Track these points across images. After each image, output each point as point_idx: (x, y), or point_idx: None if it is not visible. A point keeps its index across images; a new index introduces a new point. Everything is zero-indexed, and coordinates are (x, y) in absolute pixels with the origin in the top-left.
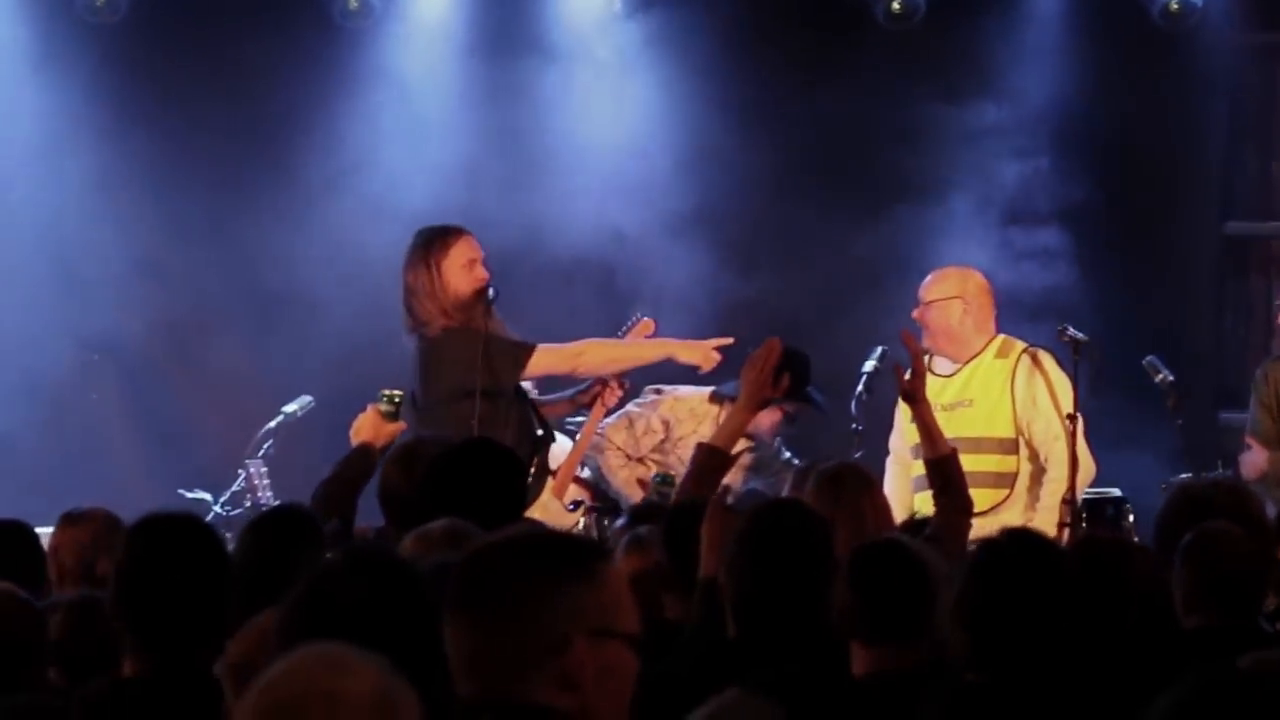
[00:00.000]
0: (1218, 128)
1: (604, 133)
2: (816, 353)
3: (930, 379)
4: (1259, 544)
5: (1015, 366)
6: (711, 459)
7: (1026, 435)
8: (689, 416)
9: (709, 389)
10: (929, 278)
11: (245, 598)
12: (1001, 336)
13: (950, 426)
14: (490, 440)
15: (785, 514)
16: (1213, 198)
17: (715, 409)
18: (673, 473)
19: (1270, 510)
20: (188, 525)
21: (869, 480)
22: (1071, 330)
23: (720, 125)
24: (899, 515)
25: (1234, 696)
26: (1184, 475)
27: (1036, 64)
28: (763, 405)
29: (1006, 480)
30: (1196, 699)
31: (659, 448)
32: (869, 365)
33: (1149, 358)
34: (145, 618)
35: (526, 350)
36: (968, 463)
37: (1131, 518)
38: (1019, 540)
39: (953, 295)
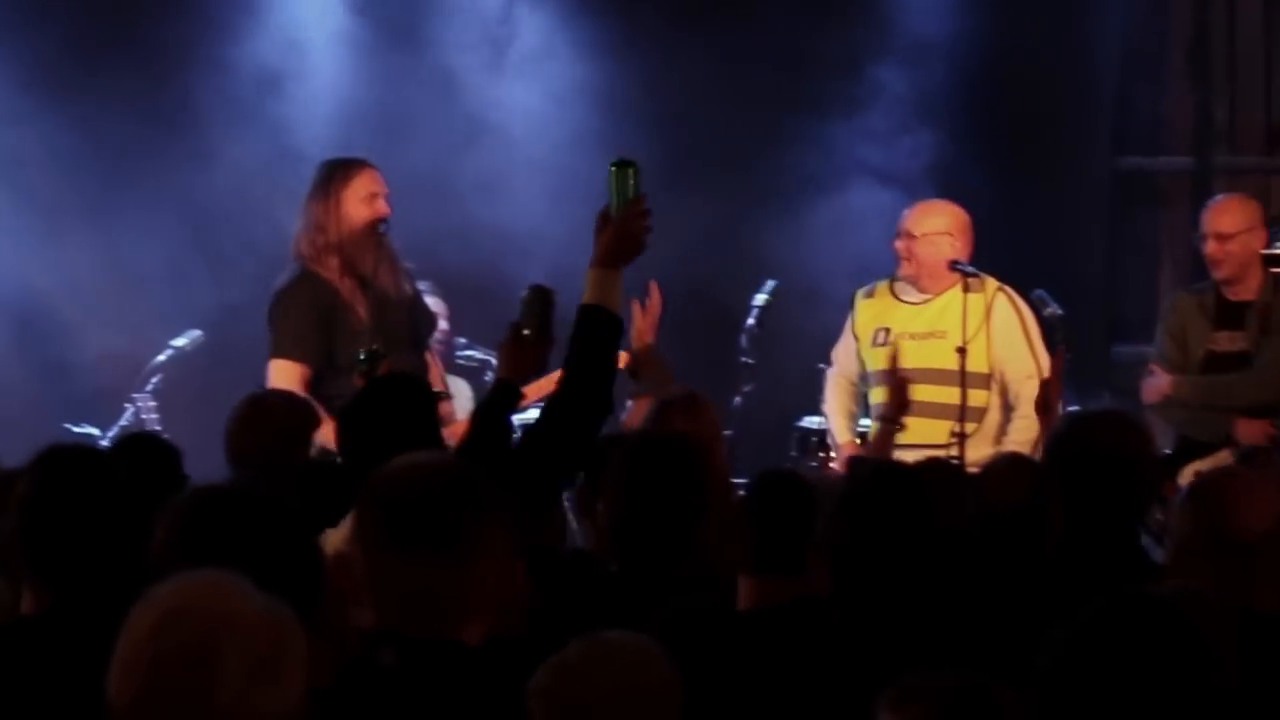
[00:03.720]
0: (1109, 61)
1: (501, 74)
2: (709, 285)
3: (899, 305)
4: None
5: (992, 304)
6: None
7: (1000, 371)
8: None
9: None
10: (916, 211)
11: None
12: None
13: (920, 356)
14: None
15: (663, 446)
16: (1105, 132)
17: None
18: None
19: (1169, 433)
20: (89, 459)
21: (692, 405)
22: (961, 265)
23: (615, 64)
24: (844, 431)
25: (1128, 622)
26: (1074, 408)
27: None
28: None
29: (975, 414)
30: (1093, 626)
31: None
32: (760, 299)
33: (1038, 291)
34: (45, 555)
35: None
36: (936, 394)
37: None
38: (883, 476)
39: (945, 230)
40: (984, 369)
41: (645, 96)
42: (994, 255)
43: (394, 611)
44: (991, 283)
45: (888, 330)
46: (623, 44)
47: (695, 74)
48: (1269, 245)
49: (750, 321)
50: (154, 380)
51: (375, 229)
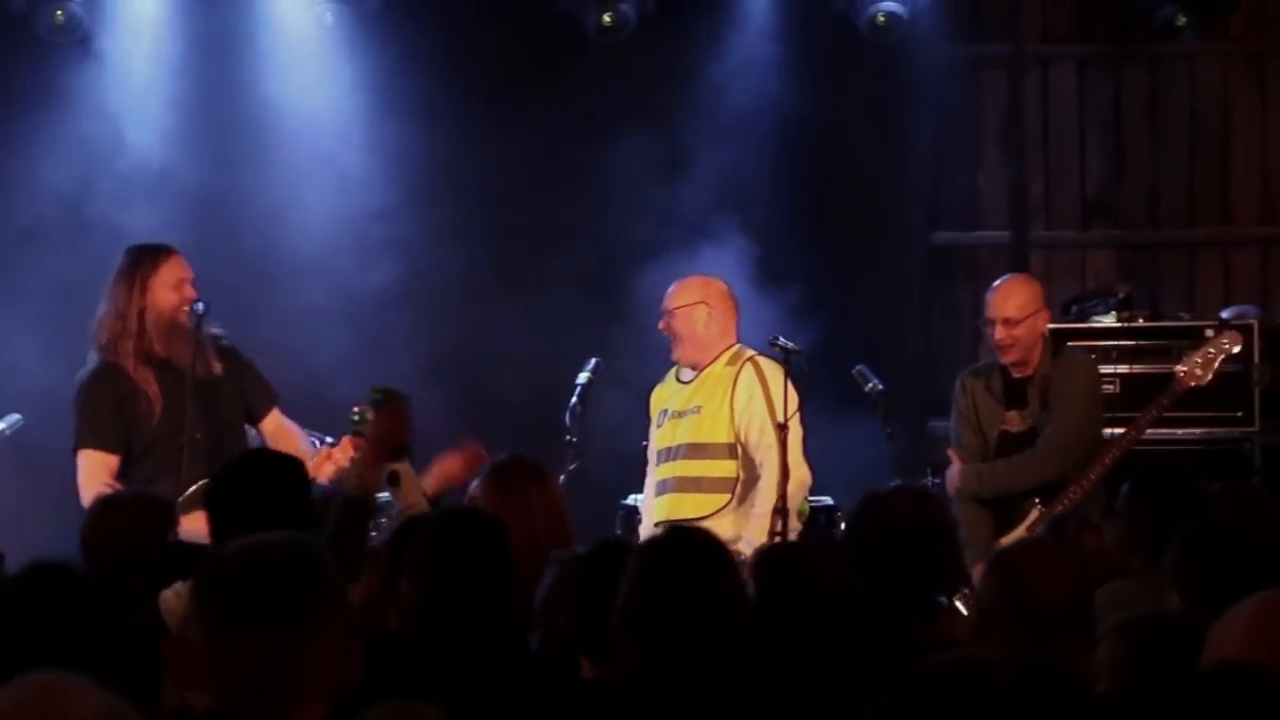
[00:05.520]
0: (924, 138)
1: (317, 139)
2: (531, 363)
3: (675, 386)
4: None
5: (738, 374)
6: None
7: (744, 441)
8: None
9: None
10: (672, 288)
11: None
12: (737, 345)
13: (680, 433)
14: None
15: (464, 522)
16: (921, 208)
17: None
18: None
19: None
20: None
21: (538, 472)
22: (782, 339)
23: (430, 135)
24: (647, 521)
25: (941, 694)
26: (894, 483)
27: (746, 77)
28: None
29: (727, 485)
30: (909, 699)
31: None
32: (583, 377)
33: (859, 367)
34: None
35: None
36: (695, 468)
37: (842, 525)
38: (680, 542)
39: (696, 301)
40: (727, 439)
41: (455, 183)
42: (814, 331)
43: (232, 692)
44: (746, 353)
45: (666, 411)
46: (428, 127)
47: (507, 157)
48: (1084, 318)
49: (573, 400)
50: None
51: (182, 314)
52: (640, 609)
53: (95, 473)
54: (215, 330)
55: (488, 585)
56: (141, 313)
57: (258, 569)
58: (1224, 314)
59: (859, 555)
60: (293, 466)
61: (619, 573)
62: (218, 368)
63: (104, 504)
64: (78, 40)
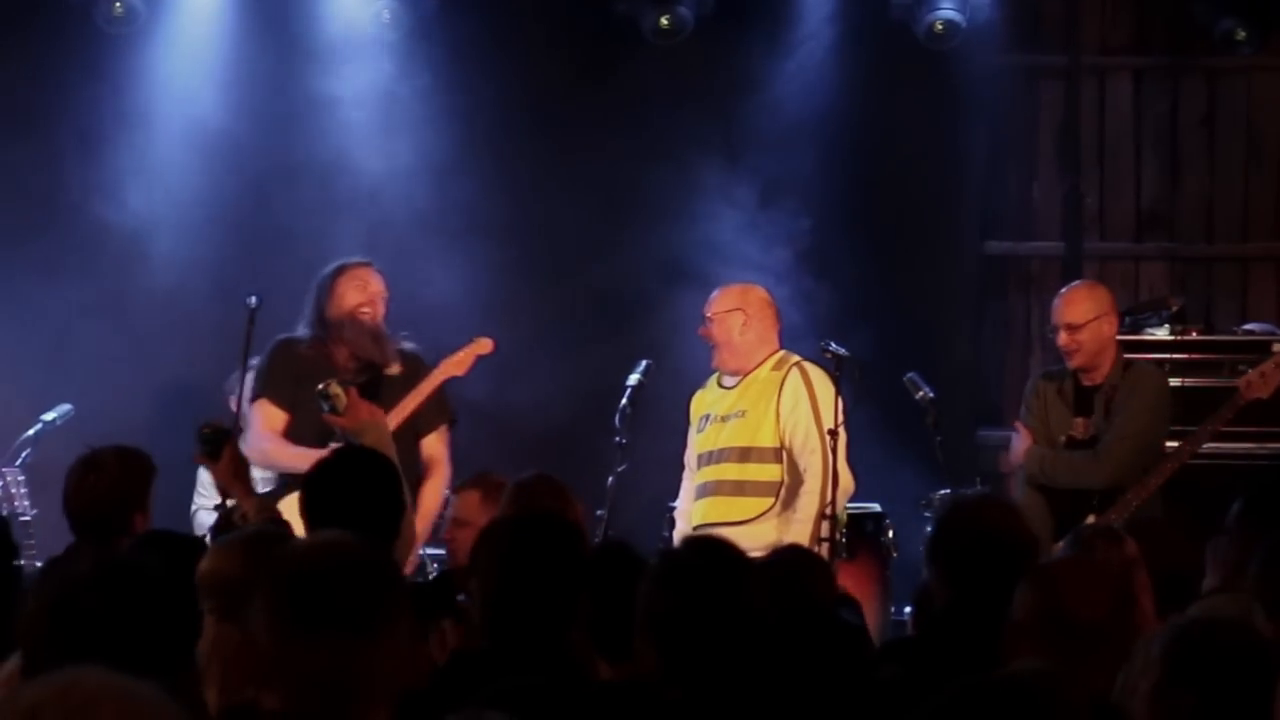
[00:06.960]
0: (979, 147)
1: (372, 138)
2: (581, 366)
3: (718, 391)
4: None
5: (785, 379)
6: None
7: (788, 446)
8: None
9: None
10: (713, 294)
11: None
12: (782, 351)
13: (724, 437)
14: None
15: (538, 524)
16: (973, 217)
17: None
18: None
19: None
20: None
21: (560, 491)
22: (833, 346)
23: (487, 135)
24: (683, 525)
25: (986, 704)
26: (943, 491)
27: (803, 83)
28: None
29: (772, 489)
30: (950, 707)
31: None
32: (633, 379)
33: (909, 374)
34: None
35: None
36: (737, 471)
37: (891, 533)
38: (698, 548)
39: (734, 308)
40: (772, 443)
41: (507, 182)
42: (866, 339)
43: (299, 694)
44: (792, 359)
45: (708, 416)
46: (482, 127)
47: (561, 157)
48: (1137, 330)
49: (623, 402)
50: (24, 454)
51: (361, 313)
52: (660, 614)
53: (262, 420)
54: (404, 337)
55: (560, 588)
56: (323, 308)
57: (327, 574)
58: (1244, 327)
59: (948, 562)
60: (384, 467)
61: (626, 576)
62: (395, 369)
63: (84, 464)
64: (135, 32)
